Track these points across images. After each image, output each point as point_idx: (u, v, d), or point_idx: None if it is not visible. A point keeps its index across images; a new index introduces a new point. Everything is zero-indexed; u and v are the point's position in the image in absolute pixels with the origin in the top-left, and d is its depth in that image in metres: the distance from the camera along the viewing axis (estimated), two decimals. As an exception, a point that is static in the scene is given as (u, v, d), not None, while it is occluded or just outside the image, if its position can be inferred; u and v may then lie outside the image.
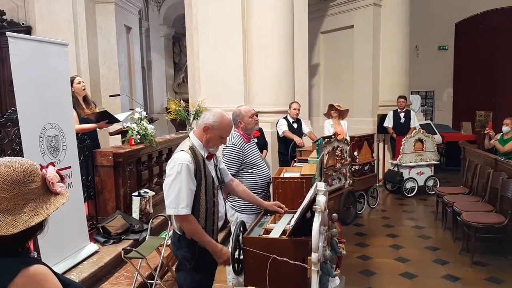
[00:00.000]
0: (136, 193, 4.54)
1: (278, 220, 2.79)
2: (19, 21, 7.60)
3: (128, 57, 8.46)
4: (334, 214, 2.78)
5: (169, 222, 3.60)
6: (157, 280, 3.48)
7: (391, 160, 8.05)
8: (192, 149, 2.39)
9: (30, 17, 7.42)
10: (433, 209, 6.39)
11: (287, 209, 2.85)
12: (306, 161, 4.36)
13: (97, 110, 4.81)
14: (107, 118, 4.62)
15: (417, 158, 7.35)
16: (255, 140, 4.37)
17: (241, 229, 2.51)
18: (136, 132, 4.66)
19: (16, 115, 3.18)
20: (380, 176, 8.16)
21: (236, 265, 2.42)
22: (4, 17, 7.58)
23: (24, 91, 3.16)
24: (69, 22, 6.75)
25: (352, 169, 6.18)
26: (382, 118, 8.32)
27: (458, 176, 7.43)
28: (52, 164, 1.34)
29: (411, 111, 8.19)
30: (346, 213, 5.80)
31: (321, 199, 2.17)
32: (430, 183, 7.47)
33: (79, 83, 4.59)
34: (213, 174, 2.50)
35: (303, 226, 2.29)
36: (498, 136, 6.25)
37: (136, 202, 4.47)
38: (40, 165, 1.31)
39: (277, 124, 6.15)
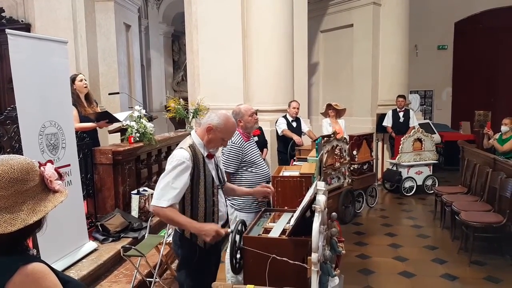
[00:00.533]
0: (135, 191, 4.55)
1: (277, 219, 2.79)
2: (18, 18, 7.59)
3: (127, 55, 8.44)
4: (334, 213, 2.79)
5: (169, 220, 3.60)
6: (156, 278, 3.49)
7: (390, 159, 8.06)
8: (192, 147, 2.39)
9: (29, 15, 7.40)
10: (431, 208, 6.41)
11: (273, 189, 2.79)
12: (305, 160, 4.37)
13: (99, 109, 4.80)
14: (107, 118, 4.61)
15: (416, 158, 7.36)
16: (255, 138, 4.38)
17: (240, 228, 2.50)
18: (136, 130, 4.65)
19: (15, 113, 3.18)
20: (379, 175, 8.17)
21: (235, 264, 2.41)
22: (3, 14, 7.57)
23: (24, 88, 3.16)
24: (68, 19, 6.73)
25: (351, 168, 6.19)
26: (381, 117, 8.32)
27: (456, 175, 7.44)
28: (51, 161, 1.33)
29: (410, 110, 8.20)
30: (344, 212, 5.81)
31: (321, 199, 2.17)
32: (429, 182, 7.48)
33: (81, 80, 4.59)
34: (213, 173, 2.49)
35: (303, 226, 2.29)
36: (497, 135, 6.26)
37: (135, 200, 4.47)
38: (39, 162, 1.30)
39: (276, 122, 6.15)
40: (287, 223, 2.60)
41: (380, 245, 5.12)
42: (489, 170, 5.10)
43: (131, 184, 4.59)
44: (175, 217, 2.29)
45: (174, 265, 3.79)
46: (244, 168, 3.48)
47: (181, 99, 6.20)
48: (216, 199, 2.48)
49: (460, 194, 5.59)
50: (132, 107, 5.96)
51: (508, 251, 4.58)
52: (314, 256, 2.07)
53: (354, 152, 6.38)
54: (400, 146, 7.26)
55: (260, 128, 5.65)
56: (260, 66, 6.38)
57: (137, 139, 4.69)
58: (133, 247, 3.44)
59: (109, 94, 6.48)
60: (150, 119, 5.22)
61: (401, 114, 7.95)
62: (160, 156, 5.45)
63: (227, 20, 6.50)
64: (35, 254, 1.30)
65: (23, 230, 1.19)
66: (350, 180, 5.98)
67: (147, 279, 3.57)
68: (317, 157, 4.13)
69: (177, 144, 2.54)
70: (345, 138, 5.95)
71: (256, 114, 3.70)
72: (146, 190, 4.64)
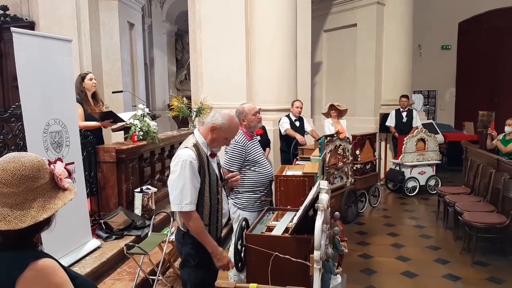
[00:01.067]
0: (138, 189, 4.56)
1: (280, 218, 2.80)
2: (22, 17, 7.62)
3: (130, 54, 8.46)
4: (336, 213, 2.79)
5: (172, 218, 3.62)
6: (159, 276, 3.50)
7: (393, 159, 8.04)
8: (196, 146, 2.41)
9: (33, 13, 7.43)
10: (434, 208, 6.39)
11: (239, 176, 2.80)
12: (308, 159, 4.37)
13: (104, 109, 4.82)
14: (111, 117, 4.63)
15: (419, 158, 7.35)
16: (258, 137, 4.38)
17: (244, 225, 2.51)
18: (139, 128, 4.67)
19: (20, 111, 3.19)
20: (382, 175, 8.16)
21: (238, 262, 2.42)
22: (7, 12, 7.60)
23: (28, 86, 3.17)
24: (72, 18, 6.75)
25: (354, 168, 6.19)
26: (384, 117, 8.31)
27: (459, 176, 7.42)
28: (60, 159, 1.35)
29: (413, 110, 8.18)
30: (347, 212, 5.81)
31: (324, 197, 2.17)
32: (432, 182, 7.47)
33: (90, 79, 4.63)
34: (216, 171, 2.51)
35: (306, 224, 2.30)
36: (501, 136, 6.24)
37: (138, 198, 4.48)
38: (48, 160, 1.32)
39: (279, 122, 6.15)
40: (290, 221, 2.61)
41: (382, 245, 5.12)
42: (493, 171, 5.09)
43: (134, 182, 4.60)
44: (202, 230, 2.36)
45: (177, 263, 3.80)
46: (247, 167, 3.49)
47: (184, 98, 6.21)
48: (220, 197, 2.50)
49: (463, 195, 5.58)
50: (135, 106, 5.99)
51: (511, 252, 4.57)
52: (316, 254, 2.07)
53: (357, 152, 6.38)
54: (403, 146, 7.26)
55: (263, 127, 5.65)
56: (263, 65, 6.38)
57: (141, 137, 4.70)
58: (136, 245, 3.45)
59: (113, 92, 6.49)
60: (154, 117, 5.24)
61: (404, 114, 7.93)
62: (163, 155, 5.47)
63: (230, 19, 6.51)
64: (43, 249, 1.32)
65: (33, 226, 1.21)
66: (353, 180, 5.97)
67: (150, 277, 3.58)
68: (320, 156, 4.13)
69: (180, 143, 2.55)
70: (348, 138, 5.95)
71: (259, 113, 3.70)
72: (149, 188, 4.65)
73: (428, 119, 10.11)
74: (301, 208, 2.42)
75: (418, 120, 8.00)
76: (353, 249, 4.82)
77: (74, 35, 6.51)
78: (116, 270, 3.71)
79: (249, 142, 3.54)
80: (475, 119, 9.75)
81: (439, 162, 7.66)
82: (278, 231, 2.49)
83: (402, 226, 5.88)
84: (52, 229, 1.31)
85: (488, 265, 4.44)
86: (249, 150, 3.49)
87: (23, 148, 3.22)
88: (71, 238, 3.50)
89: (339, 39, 9.34)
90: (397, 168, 7.51)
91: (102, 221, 4.11)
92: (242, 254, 2.40)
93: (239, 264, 2.40)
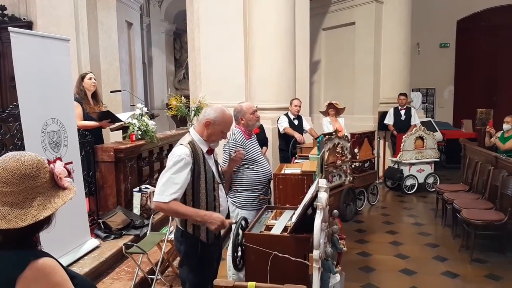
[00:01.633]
0: (137, 189, 4.56)
1: (279, 216, 2.80)
2: (20, 16, 7.60)
3: (129, 53, 8.45)
4: (335, 211, 2.79)
5: (170, 217, 3.62)
6: (158, 275, 3.50)
7: (391, 157, 8.05)
8: (192, 143, 2.42)
9: (31, 12, 7.41)
10: (433, 206, 6.40)
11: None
12: (306, 157, 4.37)
13: (104, 109, 4.82)
14: (109, 117, 4.63)
15: (418, 156, 7.36)
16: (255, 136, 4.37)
17: (243, 224, 2.52)
18: (137, 128, 4.67)
19: (17, 110, 3.19)
20: (380, 173, 8.17)
21: (237, 261, 2.42)
22: (5, 12, 7.58)
23: (26, 86, 3.17)
24: (70, 17, 6.72)
25: (353, 166, 6.19)
26: (382, 115, 8.31)
27: (458, 173, 7.43)
28: (60, 159, 1.36)
29: (412, 108, 8.19)
30: (346, 210, 5.81)
31: (323, 196, 2.17)
32: (430, 180, 7.48)
33: (90, 79, 4.64)
34: (213, 169, 2.51)
35: (304, 223, 2.30)
36: (499, 134, 6.25)
37: (137, 198, 4.49)
38: (48, 160, 1.32)
39: (278, 120, 6.15)
40: (289, 220, 2.61)
41: (381, 243, 5.12)
42: (491, 168, 5.10)
43: (132, 181, 4.60)
44: (179, 209, 2.32)
45: (175, 262, 3.80)
46: (246, 166, 3.49)
47: (182, 97, 6.21)
48: (217, 194, 2.50)
49: (462, 192, 5.59)
50: (134, 105, 5.98)
51: (509, 249, 4.58)
52: (315, 253, 2.08)
53: (356, 150, 6.38)
54: (402, 144, 7.26)
55: (260, 126, 5.65)
56: (262, 64, 6.37)
57: (139, 136, 4.70)
58: (135, 244, 3.45)
59: (111, 92, 6.48)
60: (152, 117, 5.23)
61: (402, 112, 7.94)
62: (161, 154, 5.46)
63: (229, 18, 6.50)
64: (43, 249, 1.32)
65: (33, 225, 1.22)
66: (351, 178, 5.98)
67: (149, 276, 3.58)
68: (318, 155, 4.13)
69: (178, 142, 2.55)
70: (346, 136, 5.95)
71: (257, 112, 3.70)
72: (148, 188, 4.65)
73: (426, 117, 10.12)
74: (300, 207, 2.42)
75: (417, 118, 8.01)
76: (352, 247, 4.82)
77: (72, 35, 6.49)
78: (115, 269, 3.71)
79: (248, 141, 3.54)
80: (474, 117, 9.73)
81: (438, 160, 7.66)
82: (277, 230, 2.49)
83: (400, 224, 5.89)
84: (52, 228, 1.32)
85: (487, 262, 4.45)
86: (247, 149, 3.49)
87: (21, 148, 3.21)
88: (69, 238, 3.49)
89: (337, 38, 9.34)
90: (396, 166, 7.52)
91: (100, 220, 4.11)
92: (241, 253, 2.40)
93: (238, 263, 2.40)
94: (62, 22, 6.71)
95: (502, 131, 6.18)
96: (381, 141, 8.46)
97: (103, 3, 7.29)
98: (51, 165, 1.31)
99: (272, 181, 3.62)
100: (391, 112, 8.04)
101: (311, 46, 7.76)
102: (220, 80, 6.53)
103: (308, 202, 2.32)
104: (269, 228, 2.57)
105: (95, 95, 4.73)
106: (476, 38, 11.57)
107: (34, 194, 1.23)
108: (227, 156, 3.43)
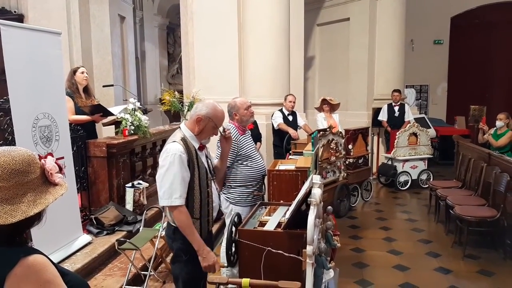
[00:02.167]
0: (129, 184, 4.52)
1: (273, 212, 2.79)
2: (11, 9, 7.47)
3: (121, 47, 8.37)
4: (329, 207, 2.79)
5: (163, 213, 3.59)
6: (151, 272, 3.48)
7: (385, 153, 8.08)
8: (184, 140, 2.38)
9: (22, 5, 7.29)
10: (426, 202, 6.43)
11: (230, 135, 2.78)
12: (301, 153, 4.35)
13: (95, 103, 4.77)
14: (101, 111, 4.58)
15: (411, 152, 7.38)
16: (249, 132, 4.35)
17: (236, 220, 2.50)
18: (130, 123, 4.62)
19: (8, 105, 3.14)
20: (374, 170, 8.20)
21: (231, 257, 2.41)
22: (-5, 4, 7.45)
23: (17, 80, 3.12)
24: (61, 10, 6.63)
25: (347, 162, 6.20)
26: (376, 111, 8.32)
27: (451, 170, 7.48)
28: (51, 154, 1.33)
29: (406, 104, 8.20)
30: (340, 206, 5.82)
31: (317, 192, 2.16)
32: (424, 176, 7.51)
33: (82, 73, 4.59)
34: (206, 165, 2.49)
35: (298, 219, 2.29)
36: (492, 130, 6.28)
37: (129, 194, 4.45)
38: (39, 155, 1.30)
39: (272, 116, 6.13)
40: (283, 216, 2.60)
41: (374, 239, 5.14)
42: (484, 165, 5.12)
43: (125, 177, 4.56)
44: (191, 226, 2.31)
45: (169, 258, 3.78)
46: (240, 161, 3.47)
47: (176, 92, 6.16)
48: (210, 190, 2.48)
49: (455, 189, 5.61)
50: (126, 100, 5.92)
51: (501, 245, 4.62)
52: (309, 249, 2.07)
53: (350, 146, 6.38)
54: (396, 141, 7.28)
55: (254, 122, 5.62)
56: (256, 59, 6.34)
57: (132, 132, 4.65)
58: (127, 240, 3.42)
59: (103, 86, 6.42)
60: (145, 112, 5.19)
61: (396, 108, 7.95)
62: (154, 149, 5.43)
63: (223, 13, 6.45)
64: (33, 245, 1.30)
65: (23, 222, 1.19)
66: (345, 174, 5.99)
67: (142, 272, 3.56)
68: (312, 151, 4.12)
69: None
70: (340, 132, 5.95)
71: (251, 107, 3.67)
72: (141, 183, 4.62)
73: (420, 113, 10.14)
74: (294, 203, 2.41)
75: (410, 114, 8.03)
76: (346, 243, 4.83)
77: (64, 28, 6.40)
78: (108, 265, 3.68)
79: (242, 137, 3.52)
80: (467, 113, 9.78)
81: (431, 156, 7.70)
82: (270, 226, 2.48)
83: (394, 220, 5.91)
84: (42, 225, 1.30)
85: (479, 258, 4.48)
86: (241, 145, 3.47)
87: (12, 142, 3.16)
88: (61, 234, 3.46)
89: (332, 33, 9.33)
90: (389, 162, 7.54)
91: (93, 216, 4.07)
92: (235, 249, 2.39)
93: (232, 259, 2.38)
94: (53, 15, 6.61)
95: (495, 128, 6.21)
96: (375, 138, 8.48)
97: (96, -4, 7.21)
98: (42, 160, 1.29)
99: (266, 177, 3.60)
100: (385, 109, 8.06)
101: (305, 42, 7.74)
102: (214, 75, 6.49)
103: (302, 198, 2.31)
104: (263, 224, 2.56)
105: (86, 89, 4.68)
106: (470, 35, 11.61)
107: (24, 190, 1.21)
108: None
